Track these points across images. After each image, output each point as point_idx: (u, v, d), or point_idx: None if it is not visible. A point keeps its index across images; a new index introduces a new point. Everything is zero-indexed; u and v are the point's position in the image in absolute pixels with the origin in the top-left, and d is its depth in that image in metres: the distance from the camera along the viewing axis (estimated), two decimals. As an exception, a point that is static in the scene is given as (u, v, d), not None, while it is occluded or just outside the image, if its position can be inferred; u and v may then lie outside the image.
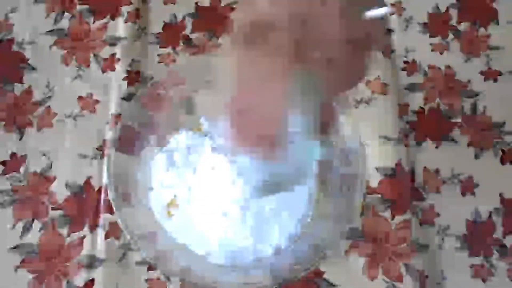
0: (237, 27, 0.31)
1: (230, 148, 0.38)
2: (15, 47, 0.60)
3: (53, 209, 0.52)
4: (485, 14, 0.61)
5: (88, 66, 0.59)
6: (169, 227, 0.47)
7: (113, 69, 0.58)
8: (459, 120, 0.55)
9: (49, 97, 0.57)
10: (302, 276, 0.43)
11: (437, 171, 0.53)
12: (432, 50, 0.59)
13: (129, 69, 0.57)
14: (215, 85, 0.51)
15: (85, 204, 0.52)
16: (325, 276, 0.49)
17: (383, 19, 0.36)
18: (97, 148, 0.54)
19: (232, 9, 0.61)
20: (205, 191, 0.47)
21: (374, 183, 0.52)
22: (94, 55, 0.59)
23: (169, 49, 0.59)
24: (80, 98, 0.57)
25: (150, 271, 0.49)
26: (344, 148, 0.47)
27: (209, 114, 0.52)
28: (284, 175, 0.38)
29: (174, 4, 0.62)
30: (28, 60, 0.59)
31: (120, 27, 0.60)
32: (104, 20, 0.61)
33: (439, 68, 0.58)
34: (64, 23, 0.61)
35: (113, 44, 0.59)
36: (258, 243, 0.45)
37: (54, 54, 0.59)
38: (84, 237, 0.50)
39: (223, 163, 0.46)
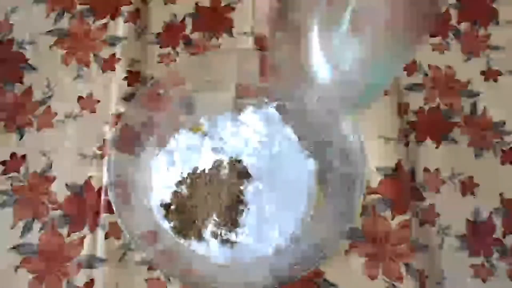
0: None
1: None
2: (15, 47, 0.60)
3: (53, 209, 0.52)
4: (485, 14, 0.61)
5: (88, 66, 0.59)
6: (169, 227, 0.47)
7: (113, 69, 0.58)
8: (459, 120, 0.55)
9: (49, 97, 0.57)
10: (302, 276, 0.43)
11: (437, 171, 0.53)
12: (432, 50, 0.59)
13: (129, 69, 0.57)
14: (215, 85, 0.51)
15: (85, 204, 0.52)
16: (325, 276, 0.49)
17: None
18: (97, 148, 0.54)
19: (232, 9, 0.61)
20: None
21: (374, 183, 0.52)
22: (94, 55, 0.59)
23: (169, 49, 0.59)
24: (80, 98, 0.57)
25: (150, 271, 0.49)
26: (344, 148, 0.47)
27: (209, 114, 0.52)
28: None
29: (174, 4, 0.62)
30: (28, 60, 0.59)
31: (120, 27, 0.60)
32: (104, 20, 0.61)
33: (439, 68, 0.58)
34: (64, 23, 0.61)
35: (113, 44, 0.59)
36: (258, 243, 0.45)
37: (54, 54, 0.59)
38: (84, 237, 0.50)
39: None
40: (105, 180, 0.52)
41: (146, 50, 0.59)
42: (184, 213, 0.46)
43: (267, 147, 0.48)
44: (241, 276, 0.46)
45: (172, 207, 0.47)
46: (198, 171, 0.47)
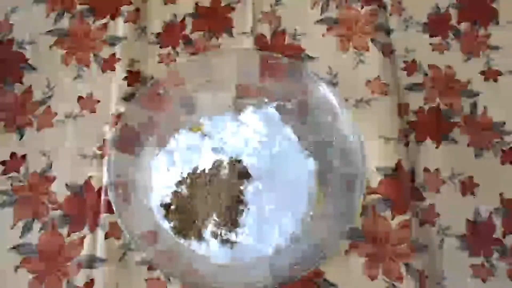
0: None
1: None
2: (15, 47, 0.60)
3: (53, 209, 0.52)
4: (485, 14, 0.61)
5: (88, 66, 0.59)
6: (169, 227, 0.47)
7: (113, 69, 0.58)
8: (459, 120, 0.55)
9: (49, 97, 0.57)
10: (302, 276, 0.43)
11: (437, 171, 0.53)
12: (432, 50, 0.59)
13: (129, 69, 0.57)
14: (215, 85, 0.51)
15: (85, 204, 0.52)
16: (325, 276, 0.49)
17: None
18: (97, 148, 0.54)
19: (232, 9, 0.61)
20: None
21: (374, 183, 0.52)
22: (94, 55, 0.59)
23: (169, 49, 0.59)
24: (80, 98, 0.57)
25: (150, 271, 0.49)
26: (344, 148, 0.47)
27: (209, 114, 0.52)
28: None
29: (174, 4, 0.62)
30: (28, 60, 0.59)
31: (120, 27, 0.60)
32: (104, 20, 0.61)
33: (439, 68, 0.58)
34: (64, 23, 0.61)
35: (113, 44, 0.59)
36: (258, 243, 0.45)
37: (54, 54, 0.59)
38: (84, 237, 0.51)
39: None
40: (105, 180, 0.52)
41: (146, 50, 0.59)
42: (184, 213, 0.46)
43: (267, 147, 0.48)
44: (241, 276, 0.46)
45: (172, 207, 0.47)
46: (198, 171, 0.47)
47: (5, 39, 0.60)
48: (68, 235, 0.51)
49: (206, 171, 0.47)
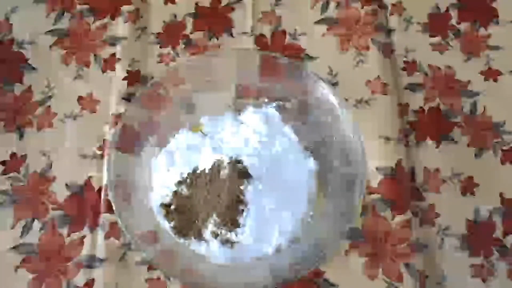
0: None
1: None
2: (15, 47, 0.60)
3: (53, 209, 0.52)
4: (485, 14, 0.61)
5: (88, 66, 0.59)
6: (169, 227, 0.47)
7: (113, 69, 0.58)
8: (459, 120, 0.55)
9: (49, 97, 0.57)
10: (302, 276, 0.43)
11: (437, 171, 0.53)
12: (432, 50, 0.59)
13: (129, 69, 0.57)
14: (215, 85, 0.51)
15: (85, 204, 0.52)
16: (325, 276, 0.49)
17: None
18: (97, 148, 0.54)
19: (232, 9, 0.61)
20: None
21: (374, 183, 0.52)
22: (94, 55, 0.59)
23: (169, 49, 0.59)
24: (80, 98, 0.57)
25: (150, 271, 0.49)
26: (344, 148, 0.47)
27: (209, 114, 0.52)
28: None
29: (174, 4, 0.62)
30: (28, 60, 0.59)
31: (120, 27, 0.60)
32: (104, 20, 0.61)
33: (439, 68, 0.58)
34: (64, 23, 0.61)
35: (113, 44, 0.59)
36: (258, 243, 0.45)
37: (54, 54, 0.59)
38: (84, 237, 0.51)
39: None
40: (105, 180, 0.52)
41: (146, 50, 0.59)
42: (184, 213, 0.46)
43: (267, 147, 0.48)
44: (241, 276, 0.46)
45: (172, 207, 0.47)
46: (198, 171, 0.47)
47: (5, 39, 0.60)
48: (68, 235, 0.51)
49: (206, 171, 0.47)
